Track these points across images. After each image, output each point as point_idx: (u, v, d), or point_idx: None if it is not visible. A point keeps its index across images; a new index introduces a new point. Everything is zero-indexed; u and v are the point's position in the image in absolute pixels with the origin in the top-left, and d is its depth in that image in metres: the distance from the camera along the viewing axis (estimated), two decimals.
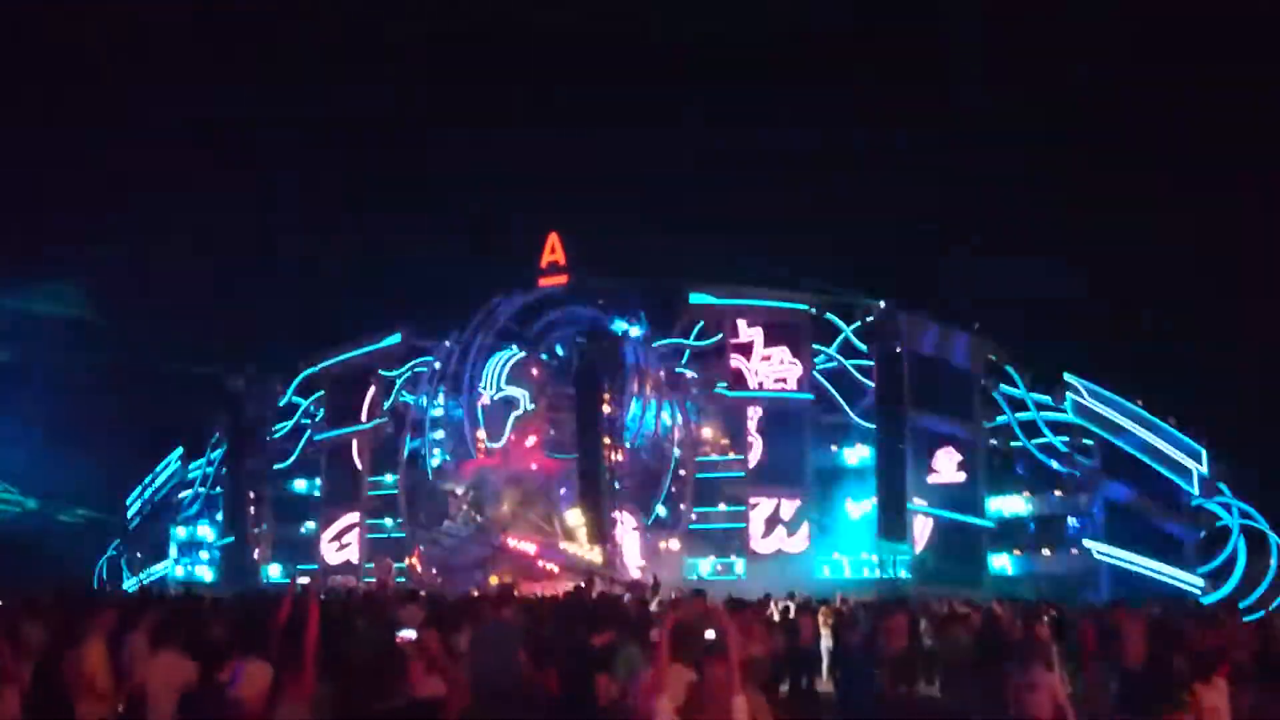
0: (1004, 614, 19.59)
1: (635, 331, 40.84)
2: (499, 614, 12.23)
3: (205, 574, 48.01)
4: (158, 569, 49.43)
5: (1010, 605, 20.91)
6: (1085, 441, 36.75)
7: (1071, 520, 37.35)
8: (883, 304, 38.91)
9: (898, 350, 37.57)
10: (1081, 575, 35.42)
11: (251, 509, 47.33)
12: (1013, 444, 38.37)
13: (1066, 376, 36.83)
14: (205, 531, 49.48)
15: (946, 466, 38.21)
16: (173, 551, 49.95)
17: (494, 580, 37.17)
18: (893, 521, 36.36)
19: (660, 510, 39.78)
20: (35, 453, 46.20)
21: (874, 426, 38.15)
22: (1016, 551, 37.38)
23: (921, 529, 37.59)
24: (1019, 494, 38.14)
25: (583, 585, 23.84)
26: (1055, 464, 37.50)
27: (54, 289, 40.53)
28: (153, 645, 9.50)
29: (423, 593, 25.29)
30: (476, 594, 27.63)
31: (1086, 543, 35.93)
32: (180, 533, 50.25)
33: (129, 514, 51.59)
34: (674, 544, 39.33)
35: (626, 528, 39.32)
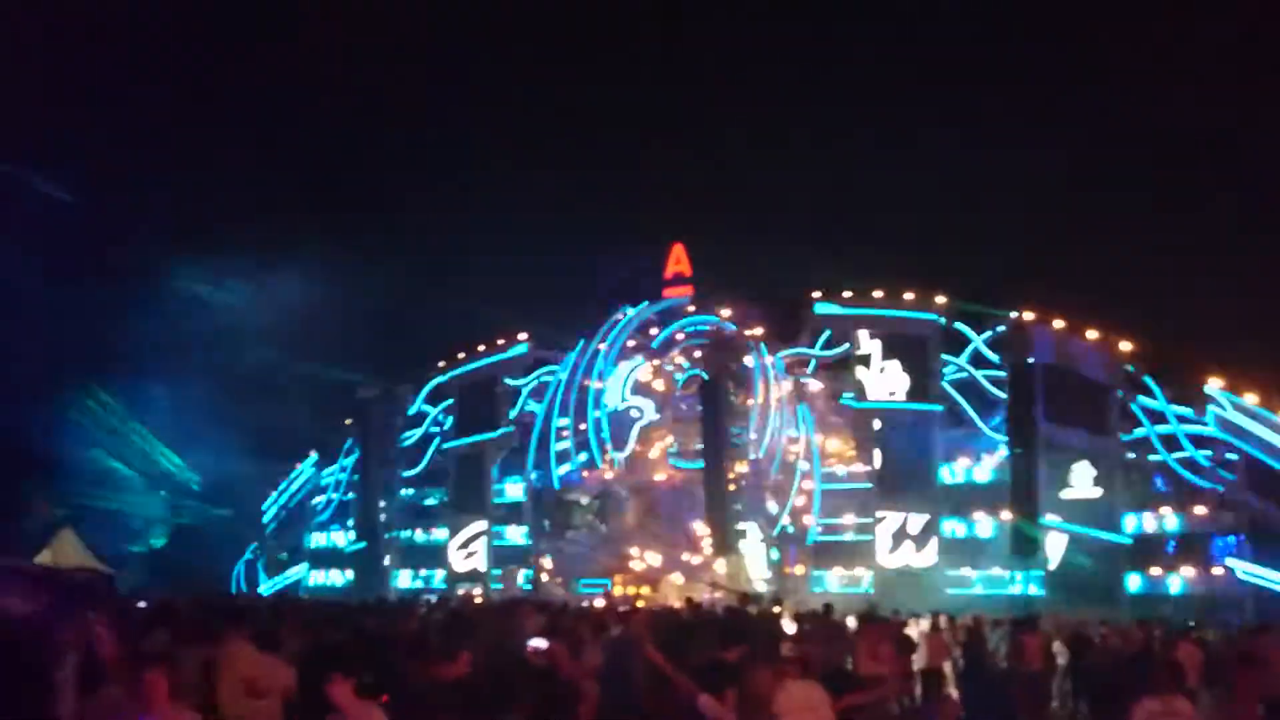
0: (1143, 636, 19.00)
1: (760, 342, 40.65)
2: (626, 627, 12.27)
3: (338, 580, 49.11)
4: (293, 574, 50.77)
5: (1150, 626, 20.22)
6: (1229, 456, 35.35)
7: (1215, 538, 35.89)
8: (1014, 314, 38.09)
9: (1030, 361, 36.70)
10: (1224, 596, 34.07)
11: (382, 516, 48.38)
12: (1151, 458, 37.14)
13: (1208, 388, 35.55)
14: (338, 538, 50.65)
15: (1081, 481, 37.13)
16: (308, 557, 51.23)
17: (617, 591, 37.44)
18: (1024, 537, 35.50)
19: (785, 522, 39.46)
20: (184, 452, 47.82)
21: (1005, 439, 37.40)
22: (1155, 570, 36.01)
23: (1055, 545, 36.61)
24: (1158, 510, 36.80)
25: (707, 601, 23.77)
26: (1197, 479, 36.17)
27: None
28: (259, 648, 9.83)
29: (548, 602, 25.58)
30: (601, 604, 27.90)
31: (1230, 562, 34.57)
32: (318, 539, 51.52)
33: (265, 519, 53.08)
34: (799, 556, 38.99)
35: (751, 540, 39.16)
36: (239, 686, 9.24)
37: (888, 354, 39.72)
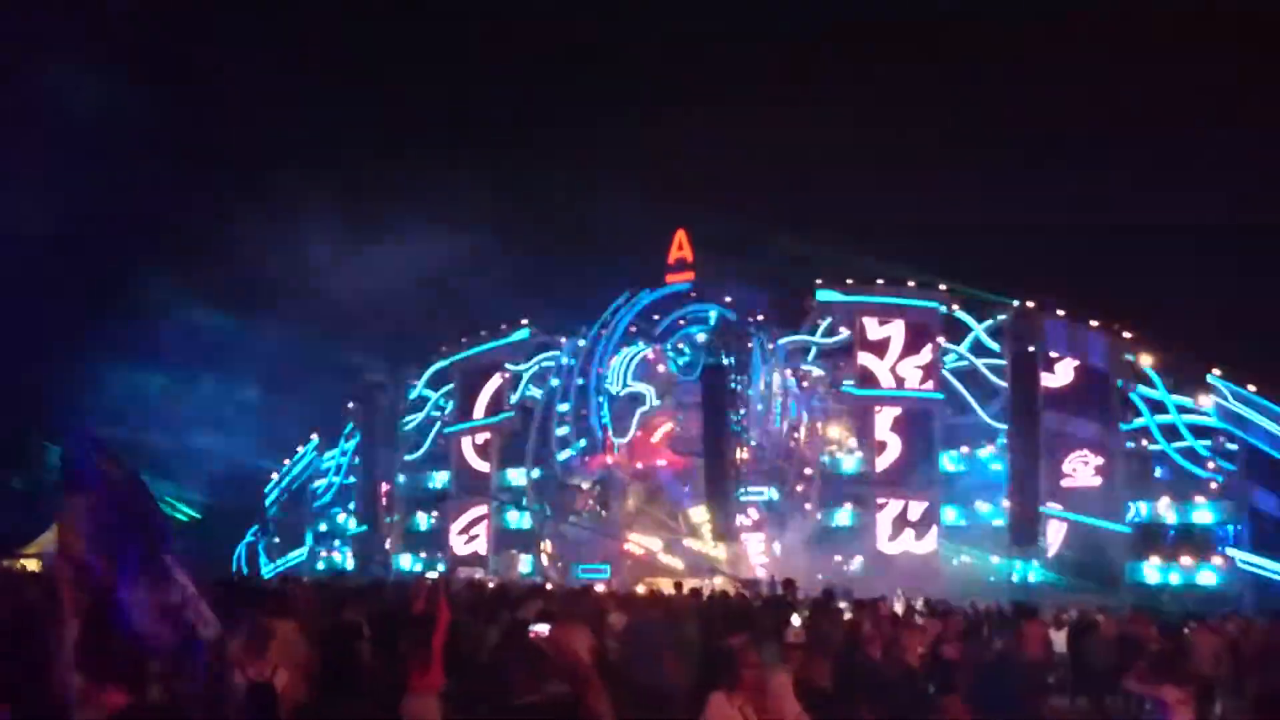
0: (1142, 624, 19.05)
1: (762, 329, 40.63)
2: (648, 614, 12.33)
3: (340, 562, 49.17)
4: (294, 556, 50.76)
5: (1149, 615, 20.26)
6: (1230, 446, 35.41)
7: (1215, 528, 35.97)
8: (1016, 302, 38.10)
9: (1031, 350, 36.72)
10: (1225, 586, 34.19)
11: (383, 499, 48.42)
12: (1152, 447, 37.20)
13: (1209, 378, 35.56)
14: (341, 520, 50.70)
15: (1082, 470, 37.21)
16: (309, 540, 51.25)
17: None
18: (1025, 525, 35.58)
19: (785, 509, 39.50)
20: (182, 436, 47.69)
21: (1006, 428, 37.44)
22: (1156, 559, 36.14)
23: (1055, 534, 36.70)
24: (1159, 500, 36.88)
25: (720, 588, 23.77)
26: (1197, 469, 36.26)
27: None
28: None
29: (549, 586, 25.65)
30: (600, 589, 27.96)
31: (1230, 551, 34.66)
32: (321, 522, 51.52)
33: (267, 501, 53.04)
34: (799, 543, 39.03)
35: (750, 526, 39.20)
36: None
37: (890, 341, 39.75)
